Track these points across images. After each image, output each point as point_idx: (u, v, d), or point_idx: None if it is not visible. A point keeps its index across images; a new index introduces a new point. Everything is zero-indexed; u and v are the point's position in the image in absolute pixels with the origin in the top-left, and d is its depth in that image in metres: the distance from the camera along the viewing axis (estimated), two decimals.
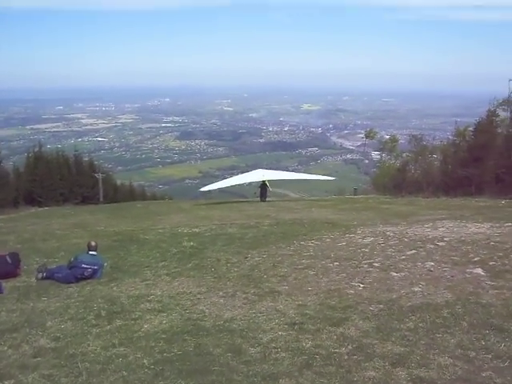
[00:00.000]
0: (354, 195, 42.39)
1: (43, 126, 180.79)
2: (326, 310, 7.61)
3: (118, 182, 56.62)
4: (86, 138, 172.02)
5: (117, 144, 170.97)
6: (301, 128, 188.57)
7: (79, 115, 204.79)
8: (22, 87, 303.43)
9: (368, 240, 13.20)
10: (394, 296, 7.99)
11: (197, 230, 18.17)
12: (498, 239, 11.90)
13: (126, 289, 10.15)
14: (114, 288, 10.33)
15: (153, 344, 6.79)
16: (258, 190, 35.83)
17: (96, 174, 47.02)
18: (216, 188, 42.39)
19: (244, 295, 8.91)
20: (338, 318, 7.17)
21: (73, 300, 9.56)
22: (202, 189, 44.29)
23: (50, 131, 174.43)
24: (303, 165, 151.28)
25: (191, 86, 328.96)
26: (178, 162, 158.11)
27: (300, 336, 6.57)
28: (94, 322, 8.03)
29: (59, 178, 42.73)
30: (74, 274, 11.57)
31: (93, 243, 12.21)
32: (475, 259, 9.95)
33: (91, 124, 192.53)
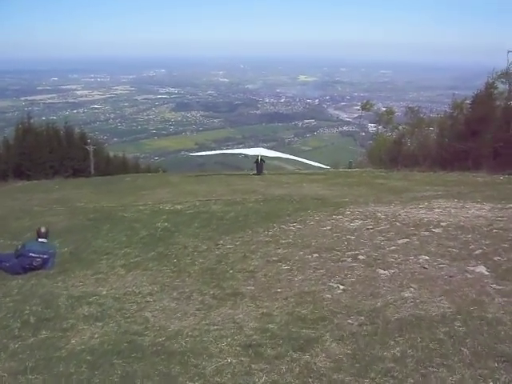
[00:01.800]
0: (349, 168, 41.32)
1: (38, 97, 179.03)
2: (294, 323, 6.11)
3: (111, 154, 55.63)
4: (81, 110, 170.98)
5: (112, 115, 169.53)
6: (297, 100, 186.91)
7: (74, 86, 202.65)
8: (16, 58, 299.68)
9: (356, 224, 11.76)
10: (379, 304, 6.49)
11: (179, 206, 17.34)
12: (501, 225, 10.43)
13: (73, 284, 8.83)
14: (60, 283, 8.97)
15: (72, 370, 5.35)
16: (255, 165, 35.06)
17: (87, 147, 45.81)
18: (207, 154, 42.12)
19: (201, 297, 7.48)
20: (305, 337, 5.65)
21: (8, 299, 8.19)
22: (194, 154, 43.98)
23: (44, 103, 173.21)
24: (299, 136, 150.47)
25: (187, 56, 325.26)
26: (174, 133, 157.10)
27: (253, 365, 5.07)
28: (16, 332, 6.61)
29: (49, 151, 41.86)
30: (22, 264, 10.28)
31: (43, 229, 10.78)
32: (477, 252, 8.47)
33: (86, 95, 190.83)
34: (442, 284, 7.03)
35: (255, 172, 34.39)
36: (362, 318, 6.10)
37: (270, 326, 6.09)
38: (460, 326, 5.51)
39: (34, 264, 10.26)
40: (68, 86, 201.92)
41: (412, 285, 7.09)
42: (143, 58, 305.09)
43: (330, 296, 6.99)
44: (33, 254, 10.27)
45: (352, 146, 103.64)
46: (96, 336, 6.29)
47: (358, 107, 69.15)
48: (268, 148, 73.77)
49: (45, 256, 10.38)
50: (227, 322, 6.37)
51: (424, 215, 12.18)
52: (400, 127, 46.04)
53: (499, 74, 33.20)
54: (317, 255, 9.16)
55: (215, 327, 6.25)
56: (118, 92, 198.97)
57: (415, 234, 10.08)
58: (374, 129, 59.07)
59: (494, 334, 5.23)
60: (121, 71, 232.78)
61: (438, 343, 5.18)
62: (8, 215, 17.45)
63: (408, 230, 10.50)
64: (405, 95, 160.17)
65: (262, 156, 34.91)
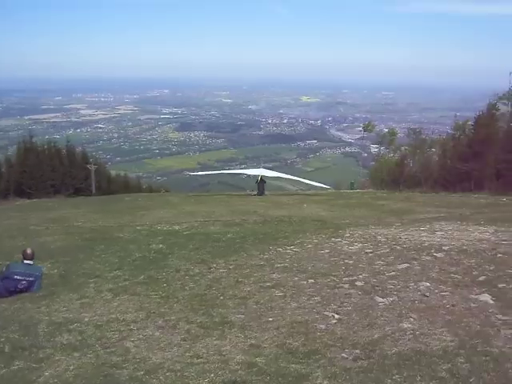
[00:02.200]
0: (351, 189, 41.07)
1: (42, 116, 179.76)
2: (284, 357, 5.66)
3: (113, 173, 55.50)
4: (84, 129, 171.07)
5: (115, 135, 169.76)
6: (300, 120, 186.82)
7: (78, 106, 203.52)
8: (21, 77, 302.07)
9: (355, 247, 11.36)
10: (376, 335, 6.04)
11: (177, 227, 17.12)
12: (505, 249, 10.03)
13: (56, 309, 8.37)
14: (43, 308, 8.52)
15: None
16: (256, 186, 34.80)
17: (88, 166, 45.51)
18: (209, 174, 42.83)
19: (187, 326, 7.02)
20: (295, 373, 5.20)
21: None
22: (196, 173, 44.64)
23: (48, 121, 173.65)
24: (302, 157, 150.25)
25: (190, 77, 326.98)
26: (177, 153, 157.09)
27: None
28: None
29: (50, 170, 41.53)
30: (7, 287, 9.83)
31: (28, 251, 10.32)
32: (480, 278, 8.04)
33: (90, 115, 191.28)
34: (443, 314, 6.59)
35: (256, 193, 34.00)
36: (357, 351, 5.65)
37: (258, 359, 5.64)
38: (463, 363, 5.05)
39: (19, 287, 9.81)
40: (72, 106, 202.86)
41: (412, 315, 6.65)
42: (147, 78, 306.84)
43: (323, 326, 6.55)
44: (18, 277, 9.83)
45: (354, 167, 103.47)
46: (71, 368, 5.84)
47: (361, 128, 68.93)
48: (270, 168, 73.71)
49: (30, 278, 9.94)
50: (212, 355, 5.92)
51: (425, 238, 11.80)
52: (402, 148, 45.99)
53: (501, 95, 33.24)
54: (312, 281, 8.73)
55: (199, 360, 5.80)
56: (122, 112, 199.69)
57: (416, 259, 9.67)
58: (376, 150, 58.99)
59: (500, 373, 4.77)
60: (125, 91, 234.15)
61: (440, 382, 4.72)
62: (2, 234, 17.02)
63: (409, 254, 10.10)
64: (407, 116, 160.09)
65: (262, 176, 34.61)
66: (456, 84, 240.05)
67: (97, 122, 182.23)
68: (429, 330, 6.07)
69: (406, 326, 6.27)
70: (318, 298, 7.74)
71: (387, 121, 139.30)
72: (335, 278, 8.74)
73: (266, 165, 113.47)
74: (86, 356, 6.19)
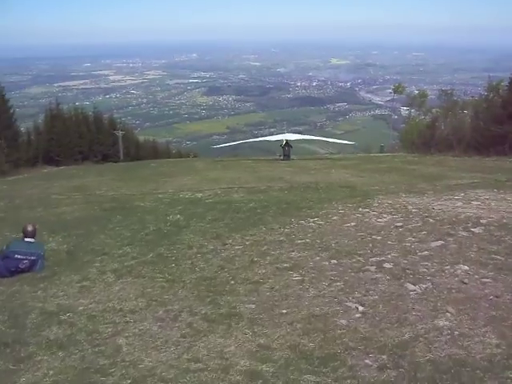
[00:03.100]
0: (381, 153, 39.89)
1: (71, 83, 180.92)
2: (296, 364, 4.77)
3: (142, 139, 55.10)
4: (113, 95, 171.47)
5: (144, 100, 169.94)
6: (329, 83, 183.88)
7: (106, 72, 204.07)
8: (49, 44, 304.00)
9: (384, 219, 10.34)
10: (407, 335, 5.09)
11: (199, 195, 16.42)
12: None
13: (53, 294, 7.66)
14: (39, 292, 7.82)
15: None
16: (281, 150, 33.73)
17: (116, 132, 45.38)
18: (228, 145, 42.98)
19: (190, 319, 6.18)
20: None
21: None
22: (215, 146, 44.96)
23: (77, 88, 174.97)
24: (331, 120, 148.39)
25: (218, 41, 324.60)
26: (206, 117, 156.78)
27: None
28: None
29: (78, 136, 41.31)
30: (7, 266, 9.14)
31: (29, 228, 9.59)
32: None
33: (118, 80, 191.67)
34: (486, 307, 5.60)
35: (282, 157, 33.06)
36: (384, 357, 4.73)
37: (265, 367, 4.76)
38: None
39: (21, 267, 9.12)
40: (100, 72, 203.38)
41: (449, 308, 5.66)
42: (175, 42, 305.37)
43: (345, 322, 5.62)
44: (18, 256, 9.13)
45: (384, 130, 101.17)
46: (51, 373, 5.07)
47: (391, 90, 66.99)
48: (299, 132, 72.49)
49: (32, 257, 9.23)
50: (213, 358, 5.07)
51: (461, 209, 10.74)
52: (433, 110, 44.46)
53: None
54: (335, 262, 7.80)
55: (196, 366, 4.95)
56: (150, 77, 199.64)
57: (451, 235, 8.64)
58: (407, 112, 57.18)
59: None
60: (152, 56, 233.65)
61: None
62: (23, 205, 16.62)
63: (443, 229, 9.08)
64: (438, 78, 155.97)
65: (288, 141, 33.57)
66: (492, 43, 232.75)
67: (126, 87, 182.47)
68: (469, 329, 5.11)
69: (441, 323, 5.30)
70: (340, 284, 6.81)
71: (418, 82, 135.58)
72: (361, 259, 7.80)
73: (296, 128, 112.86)
74: (70, 357, 5.42)
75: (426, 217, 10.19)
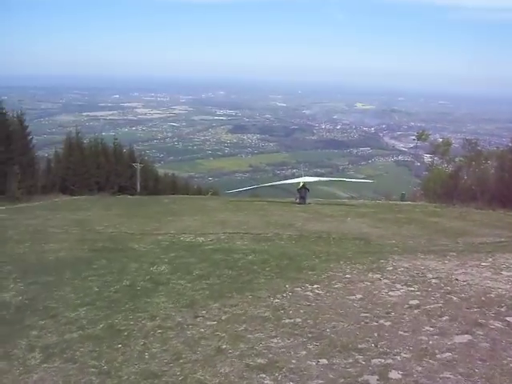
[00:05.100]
0: (402, 201, 39.40)
1: (99, 113, 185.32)
2: None
3: (162, 173, 55.92)
4: (139, 127, 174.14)
5: (169, 134, 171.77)
6: (353, 127, 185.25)
7: (134, 104, 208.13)
8: (81, 75, 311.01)
9: (397, 293, 8.70)
10: None
11: (201, 239, 15.57)
12: None
13: None
14: None
15: None
16: (298, 194, 33.07)
17: (134, 164, 45.68)
18: (244, 190, 42.91)
19: None
20: None
21: None
22: (231, 191, 45.14)
23: (105, 119, 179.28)
24: (354, 164, 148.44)
25: (245, 79, 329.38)
26: (229, 154, 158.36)
27: None
28: None
29: (95, 167, 41.91)
30: None
31: None
32: None
33: (146, 114, 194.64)
34: None
35: (298, 201, 32.34)
36: None
37: None
38: None
39: None
40: (129, 104, 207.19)
41: None
42: (202, 79, 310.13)
43: None
44: None
45: (406, 176, 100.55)
46: None
47: (414, 137, 66.59)
48: (321, 174, 71.95)
49: None
50: None
51: (490, 282, 9.12)
52: (456, 159, 43.87)
53: None
54: (325, 361, 6.01)
55: None
56: (177, 111, 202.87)
57: (481, 325, 6.85)
58: (430, 160, 56.62)
59: None
60: (180, 91, 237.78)
61: None
62: (13, 236, 15.83)
63: (470, 315, 7.32)
64: (463, 127, 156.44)
65: (305, 184, 32.99)
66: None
67: (152, 120, 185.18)
68: None
69: None
70: None
71: (442, 130, 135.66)
72: (360, 358, 6.05)
73: (318, 170, 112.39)
74: None
75: (449, 293, 8.55)
